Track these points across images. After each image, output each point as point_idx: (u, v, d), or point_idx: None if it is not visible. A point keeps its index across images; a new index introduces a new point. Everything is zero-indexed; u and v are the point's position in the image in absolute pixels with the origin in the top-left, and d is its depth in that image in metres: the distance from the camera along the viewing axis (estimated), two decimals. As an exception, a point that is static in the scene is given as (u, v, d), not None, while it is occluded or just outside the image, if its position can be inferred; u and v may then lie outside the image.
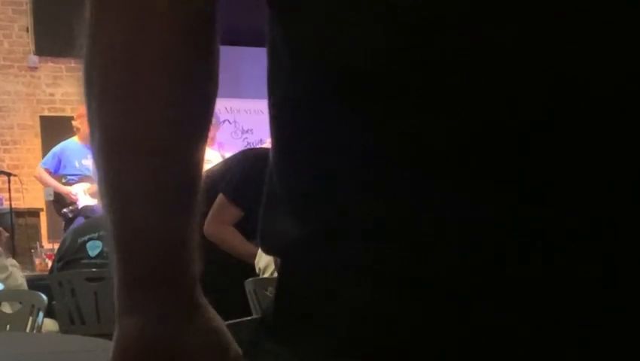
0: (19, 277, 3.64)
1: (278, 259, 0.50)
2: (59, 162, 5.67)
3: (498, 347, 0.40)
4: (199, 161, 0.55)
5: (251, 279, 2.68)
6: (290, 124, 0.47)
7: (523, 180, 0.39)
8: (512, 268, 0.40)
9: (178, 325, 0.55)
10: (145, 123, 0.52)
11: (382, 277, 0.42)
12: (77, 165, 5.59)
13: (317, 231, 0.45)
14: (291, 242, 0.46)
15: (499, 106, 0.38)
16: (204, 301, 0.57)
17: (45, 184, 5.77)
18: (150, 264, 0.54)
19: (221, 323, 0.58)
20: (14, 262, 3.80)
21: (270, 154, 0.50)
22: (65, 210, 5.55)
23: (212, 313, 0.58)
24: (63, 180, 5.63)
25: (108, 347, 0.55)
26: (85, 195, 5.46)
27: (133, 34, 0.50)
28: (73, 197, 5.58)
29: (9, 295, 3.44)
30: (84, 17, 0.52)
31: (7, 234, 4.37)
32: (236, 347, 0.58)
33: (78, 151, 5.58)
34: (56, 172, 5.68)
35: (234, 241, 2.90)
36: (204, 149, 0.55)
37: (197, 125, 0.54)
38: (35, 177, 5.95)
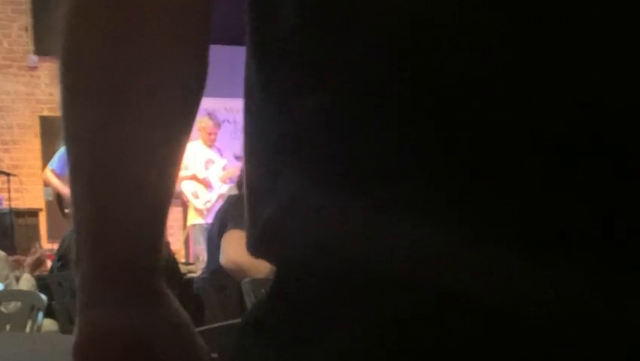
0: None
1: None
2: (64, 163, 5.73)
3: None
4: (178, 161, 0.55)
5: (248, 279, 2.67)
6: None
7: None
8: None
9: (147, 313, 0.55)
10: (129, 122, 0.51)
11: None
12: None
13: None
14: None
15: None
16: (169, 291, 0.57)
17: (51, 185, 5.87)
18: (126, 255, 0.54)
19: (186, 315, 0.57)
20: (29, 277, 3.77)
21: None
22: (67, 210, 5.63)
23: (177, 305, 0.57)
24: None
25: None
26: None
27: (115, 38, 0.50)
28: None
29: (9, 295, 3.43)
30: (61, 11, 0.51)
31: (40, 261, 4.31)
32: (201, 340, 0.58)
33: None
34: (62, 173, 5.77)
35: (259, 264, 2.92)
36: (183, 150, 0.55)
37: (179, 125, 0.54)
38: (43, 178, 6.02)
